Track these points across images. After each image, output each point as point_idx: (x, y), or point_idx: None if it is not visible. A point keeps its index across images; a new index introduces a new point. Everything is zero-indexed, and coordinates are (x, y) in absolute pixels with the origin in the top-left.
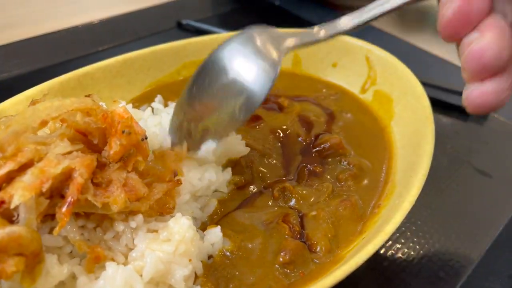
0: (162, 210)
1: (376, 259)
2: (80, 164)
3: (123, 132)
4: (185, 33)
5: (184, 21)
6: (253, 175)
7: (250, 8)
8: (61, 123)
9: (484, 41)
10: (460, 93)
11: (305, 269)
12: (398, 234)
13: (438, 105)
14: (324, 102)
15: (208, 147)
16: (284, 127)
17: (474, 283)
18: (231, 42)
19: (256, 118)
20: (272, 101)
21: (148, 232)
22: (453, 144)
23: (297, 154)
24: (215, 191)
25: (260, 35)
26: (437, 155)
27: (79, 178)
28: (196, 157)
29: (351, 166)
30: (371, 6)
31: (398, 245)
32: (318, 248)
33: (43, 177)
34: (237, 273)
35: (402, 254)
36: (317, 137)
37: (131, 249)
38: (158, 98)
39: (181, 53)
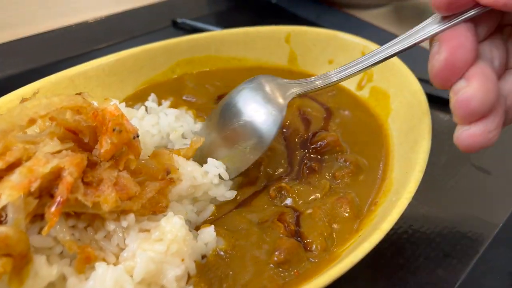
0: (154, 209)
1: (373, 257)
2: (70, 163)
3: (114, 130)
4: (180, 32)
5: (179, 20)
6: (259, 174)
7: (246, 6)
8: (50, 121)
9: (470, 90)
10: None
11: (300, 268)
12: (395, 232)
13: (436, 102)
14: (321, 98)
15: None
16: (287, 122)
17: (473, 281)
18: (245, 88)
19: None
20: None
21: (140, 231)
22: (451, 141)
23: (298, 150)
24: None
25: (268, 83)
26: (436, 152)
27: (68, 177)
28: None
29: (348, 163)
30: (359, 60)
31: (396, 243)
32: (314, 247)
33: (32, 177)
34: (231, 272)
35: (400, 252)
36: (314, 134)
37: (122, 249)
38: (152, 96)
39: (175, 51)
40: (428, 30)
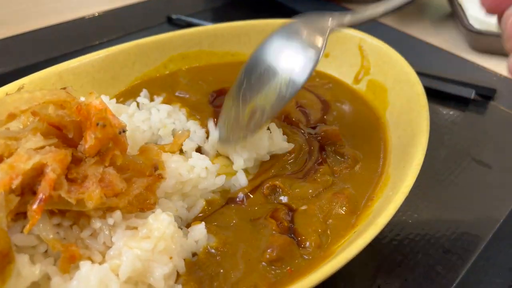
0: (142, 206)
1: (370, 253)
2: (53, 159)
3: (97, 124)
4: (175, 28)
5: (174, 16)
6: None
7: (242, 2)
8: (33, 116)
9: None
10: (457, 82)
11: (293, 265)
12: (393, 227)
13: (435, 96)
14: (318, 91)
15: (213, 139)
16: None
17: (473, 277)
18: (278, 35)
19: None
20: None
21: (127, 229)
22: (451, 134)
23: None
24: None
25: (305, 25)
26: (435, 147)
27: (51, 174)
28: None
29: (346, 157)
30: None
31: (393, 239)
32: (308, 244)
33: (13, 173)
34: (221, 271)
35: (398, 248)
36: (314, 128)
37: (109, 247)
38: (144, 92)
39: (167, 46)
40: None
